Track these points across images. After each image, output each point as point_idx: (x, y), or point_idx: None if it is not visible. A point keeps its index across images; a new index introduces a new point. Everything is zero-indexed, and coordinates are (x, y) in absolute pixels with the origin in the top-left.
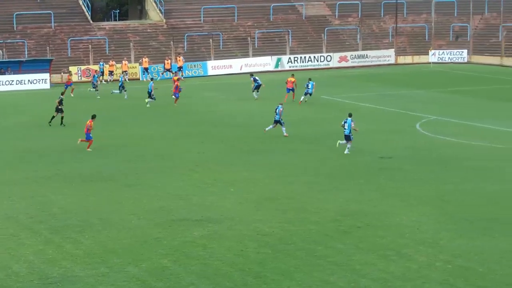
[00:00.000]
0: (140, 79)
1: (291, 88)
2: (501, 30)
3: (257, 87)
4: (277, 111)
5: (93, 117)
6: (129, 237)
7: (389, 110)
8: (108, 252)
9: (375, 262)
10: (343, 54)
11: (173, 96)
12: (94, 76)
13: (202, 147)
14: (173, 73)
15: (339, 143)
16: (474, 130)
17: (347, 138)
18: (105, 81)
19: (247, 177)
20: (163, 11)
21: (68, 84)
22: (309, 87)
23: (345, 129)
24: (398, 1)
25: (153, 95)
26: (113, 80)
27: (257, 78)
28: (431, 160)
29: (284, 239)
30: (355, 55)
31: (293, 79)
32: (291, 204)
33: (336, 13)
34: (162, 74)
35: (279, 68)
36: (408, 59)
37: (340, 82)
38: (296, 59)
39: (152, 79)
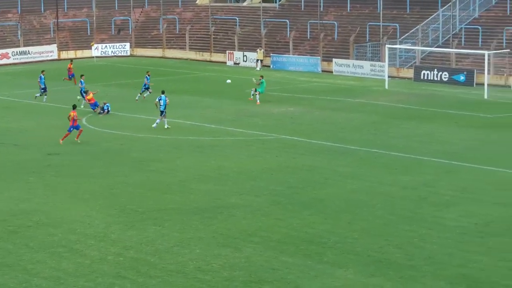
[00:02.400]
0: None
1: (72, 74)
2: (162, 23)
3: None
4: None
5: (74, 107)
6: None
7: (52, 106)
8: None
9: (46, 260)
10: (4, 51)
11: None
12: None
13: None
14: None
15: (156, 124)
16: (138, 122)
17: (162, 113)
18: None
19: None
20: None
21: None
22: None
23: (160, 105)
24: None
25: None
26: None
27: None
28: (99, 154)
29: None
30: (17, 52)
31: (70, 66)
32: None
33: None
34: None
35: None
36: (71, 54)
37: (3, 80)
38: None
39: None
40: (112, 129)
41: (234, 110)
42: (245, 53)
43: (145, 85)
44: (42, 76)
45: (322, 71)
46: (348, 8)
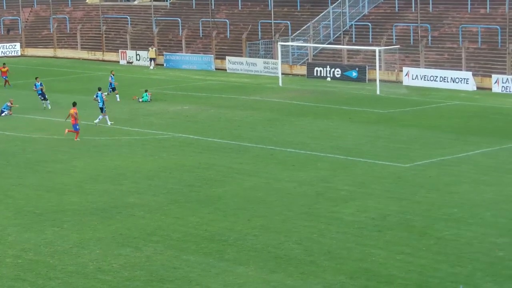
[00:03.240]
0: None
1: (5, 76)
2: (52, 22)
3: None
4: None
5: (75, 104)
6: None
7: None
8: None
9: None
10: None
11: None
12: None
13: None
14: None
15: (98, 120)
16: (34, 122)
17: (102, 110)
18: None
19: None
20: None
21: None
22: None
23: (98, 102)
24: None
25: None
26: None
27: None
28: None
29: None
30: None
31: (6, 68)
32: None
33: None
34: None
35: None
36: None
37: None
38: None
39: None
40: (6, 131)
41: (128, 109)
42: (138, 52)
43: (110, 84)
44: None
45: (215, 69)
46: (240, 6)
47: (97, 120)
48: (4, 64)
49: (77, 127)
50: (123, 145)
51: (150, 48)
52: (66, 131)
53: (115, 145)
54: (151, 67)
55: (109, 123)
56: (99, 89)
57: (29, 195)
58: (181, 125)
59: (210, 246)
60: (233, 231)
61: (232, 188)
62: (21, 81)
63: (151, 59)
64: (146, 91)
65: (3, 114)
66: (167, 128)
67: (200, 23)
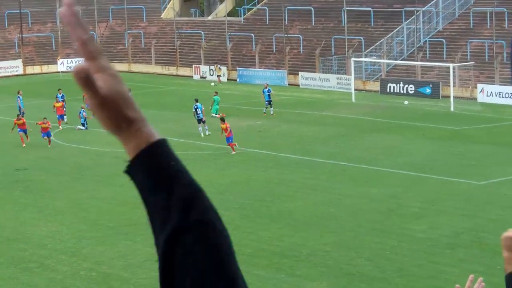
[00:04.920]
0: None
1: None
2: (127, 37)
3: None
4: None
5: (223, 119)
6: None
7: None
8: None
9: (17, 276)
10: None
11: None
12: None
13: None
14: None
15: (207, 130)
16: (107, 137)
17: (200, 121)
18: None
19: None
20: None
21: None
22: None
23: (198, 114)
24: (22, 11)
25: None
26: None
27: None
28: (67, 169)
29: None
30: None
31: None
32: None
33: None
34: None
35: None
36: (36, 69)
37: None
38: None
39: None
40: (80, 144)
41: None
42: (211, 67)
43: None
44: (20, 97)
45: (288, 84)
46: (313, 22)
47: (207, 132)
48: None
49: (230, 139)
50: (195, 159)
51: (215, 66)
52: (233, 151)
53: (187, 160)
54: (212, 84)
55: (201, 133)
56: (196, 100)
57: (102, 209)
58: (253, 140)
59: (281, 262)
60: (305, 246)
61: (303, 204)
62: None
63: (218, 75)
64: (216, 93)
65: (76, 128)
66: (239, 143)
67: (274, 39)
